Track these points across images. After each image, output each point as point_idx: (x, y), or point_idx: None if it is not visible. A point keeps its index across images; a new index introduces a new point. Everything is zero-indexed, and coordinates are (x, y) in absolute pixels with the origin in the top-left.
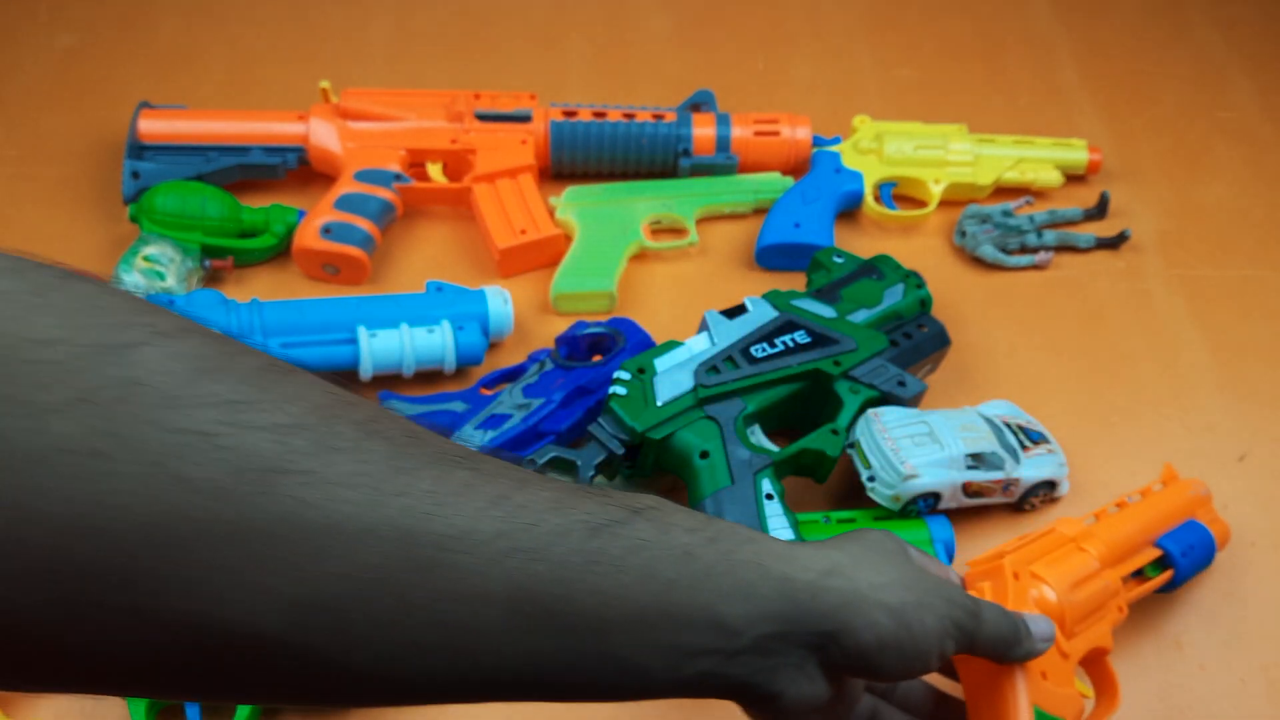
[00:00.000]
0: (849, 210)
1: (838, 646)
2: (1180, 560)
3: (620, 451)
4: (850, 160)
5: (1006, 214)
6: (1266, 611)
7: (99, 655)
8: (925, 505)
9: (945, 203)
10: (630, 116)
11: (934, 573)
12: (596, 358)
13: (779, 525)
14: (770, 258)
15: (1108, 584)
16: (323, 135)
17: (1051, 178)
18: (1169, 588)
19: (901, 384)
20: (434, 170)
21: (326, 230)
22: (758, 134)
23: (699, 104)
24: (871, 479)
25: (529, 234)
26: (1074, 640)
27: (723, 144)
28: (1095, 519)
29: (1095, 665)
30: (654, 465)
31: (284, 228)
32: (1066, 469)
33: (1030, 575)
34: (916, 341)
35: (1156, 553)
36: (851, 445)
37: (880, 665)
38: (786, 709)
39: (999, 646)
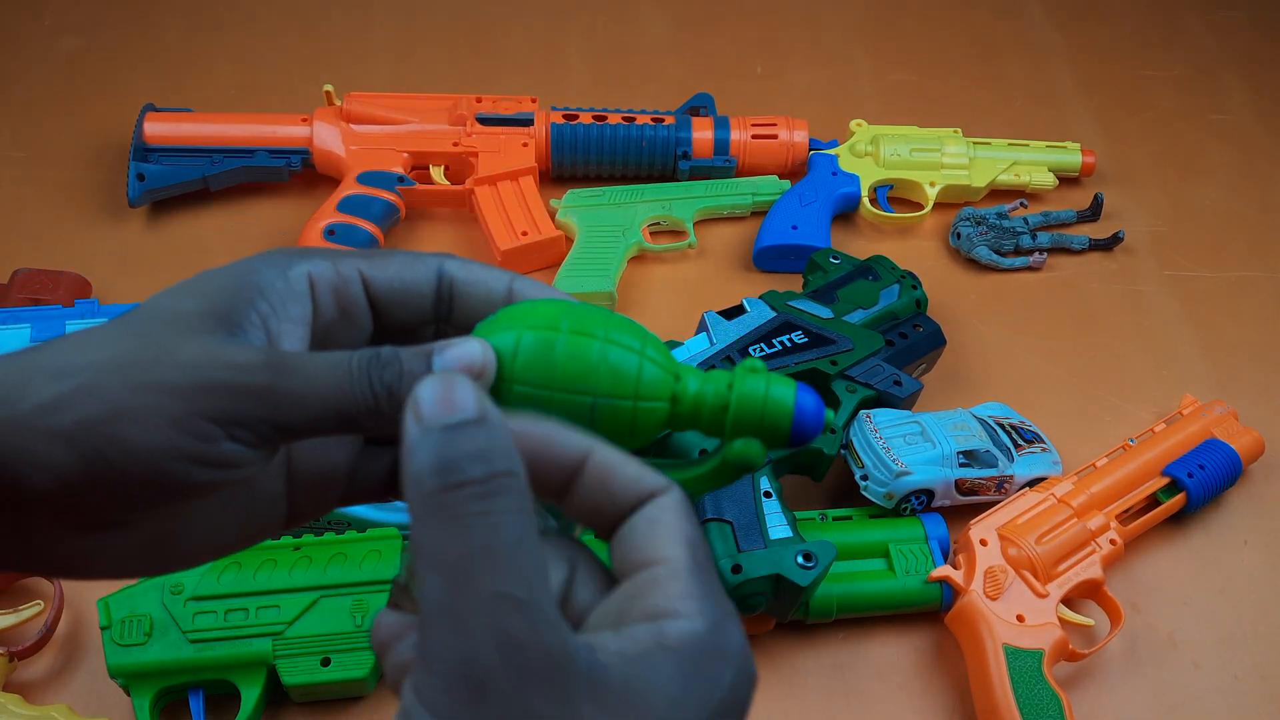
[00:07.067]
0: (846, 212)
1: None
2: (1188, 481)
3: None
4: (847, 163)
5: (1001, 216)
6: (1260, 609)
7: None
8: (919, 503)
9: (940, 205)
10: (630, 120)
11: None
12: None
13: (777, 523)
14: (768, 259)
15: (1085, 527)
16: (326, 138)
17: (1046, 180)
18: (1194, 506)
19: (897, 383)
20: (436, 173)
21: (330, 232)
22: (756, 137)
23: (698, 107)
24: (864, 477)
25: (530, 236)
26: (1052, 582)
27: (721, 147)
28: (1092, 468)
29: (1095, 595)
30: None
31: None
32: (1061, 467)
33: (1001, 536)
34: (912, 341)
35: (1164, 480)
36: (846, 446)
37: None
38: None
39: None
